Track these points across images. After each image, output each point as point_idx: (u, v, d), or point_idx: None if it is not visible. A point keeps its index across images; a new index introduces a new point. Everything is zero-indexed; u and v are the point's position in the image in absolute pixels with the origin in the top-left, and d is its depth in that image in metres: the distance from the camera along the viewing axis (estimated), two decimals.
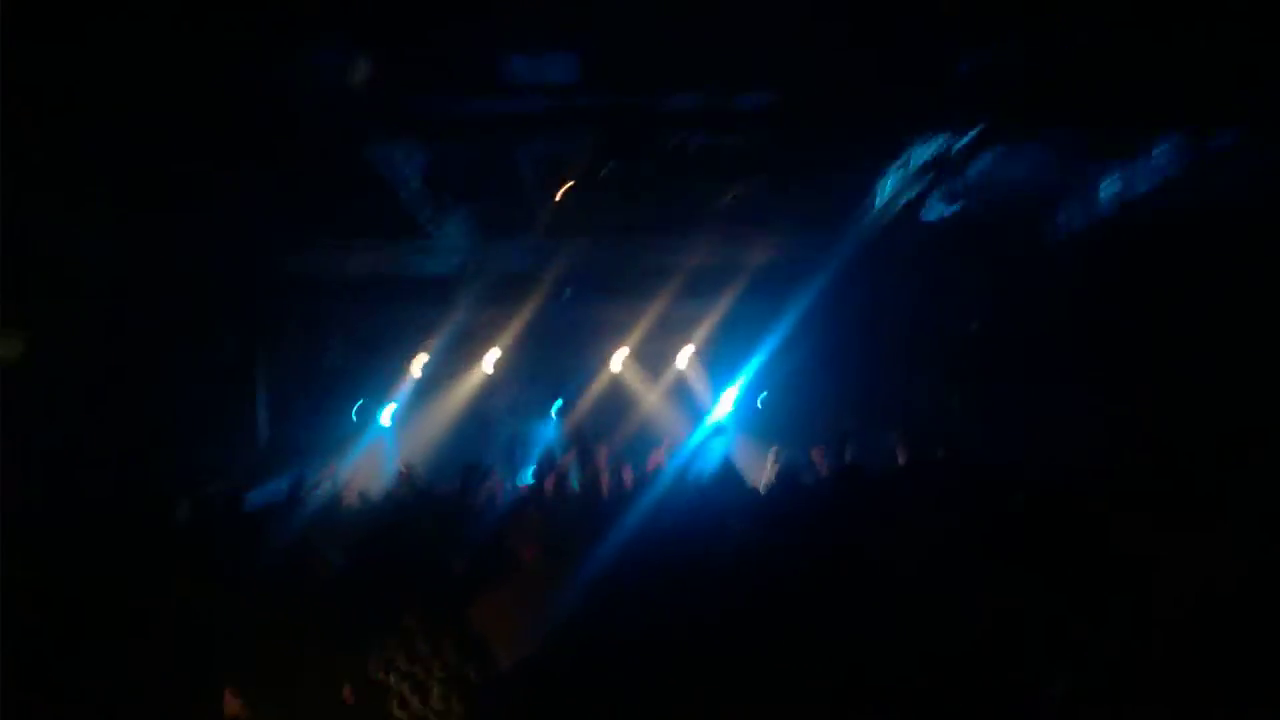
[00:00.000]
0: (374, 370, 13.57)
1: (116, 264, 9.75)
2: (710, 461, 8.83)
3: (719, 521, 4.46)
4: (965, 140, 7.54)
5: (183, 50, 6.24)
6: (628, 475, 7.68)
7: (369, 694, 2.36)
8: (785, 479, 6.67)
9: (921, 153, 8.08)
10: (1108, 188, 8.34)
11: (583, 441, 7.68)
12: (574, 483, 7.26)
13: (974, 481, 4.76)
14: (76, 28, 5.85)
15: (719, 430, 11.12)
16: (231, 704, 2.85)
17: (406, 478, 9.79)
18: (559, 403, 13.98)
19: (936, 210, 9.08)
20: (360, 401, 13.66)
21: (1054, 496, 3.83)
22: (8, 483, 8.49)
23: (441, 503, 6.96)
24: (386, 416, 13.65)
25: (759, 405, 13.53)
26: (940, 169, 7.92)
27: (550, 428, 14.21)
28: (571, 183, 8.37)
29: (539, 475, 8.60)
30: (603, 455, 8.05)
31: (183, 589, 3.78)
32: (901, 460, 7.31)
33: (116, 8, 5.75)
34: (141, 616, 3.15)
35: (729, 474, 6.76)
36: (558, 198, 8.74)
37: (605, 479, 6.94)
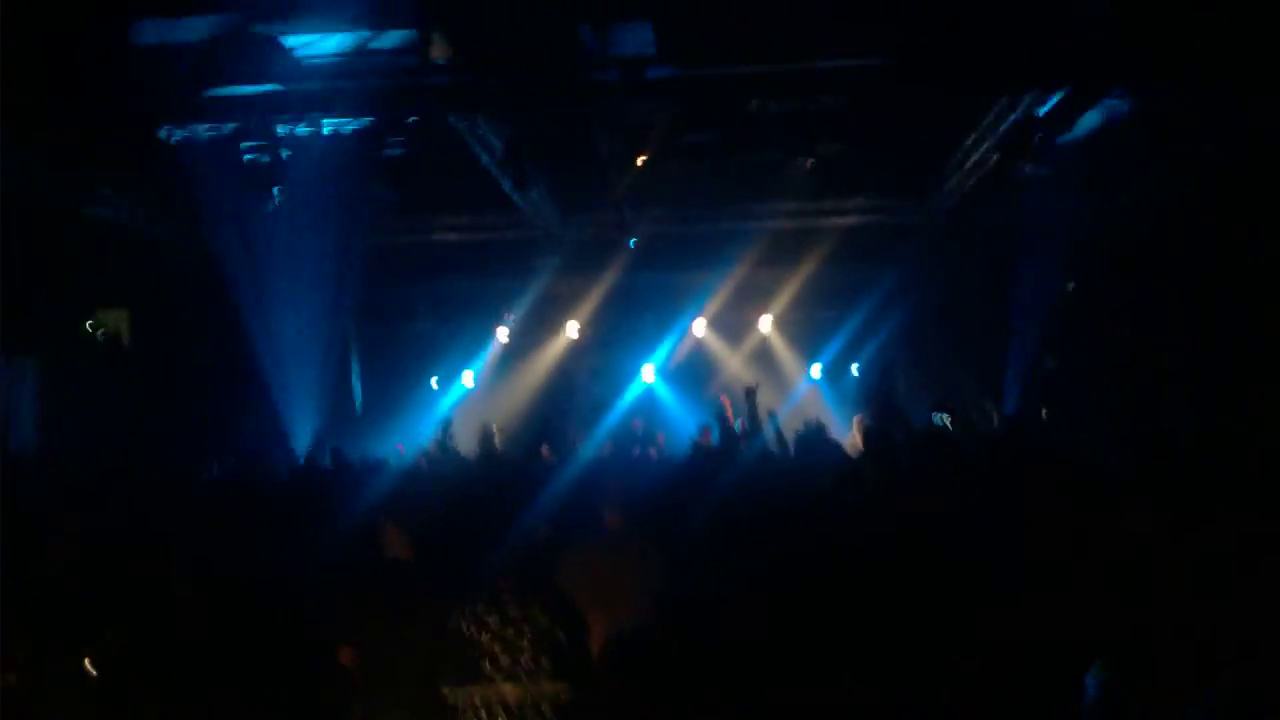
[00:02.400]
0: (461, 337, 13.93)
1: (210, 243, 10.19)
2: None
3: (808, 488, 4.51)
4: (1053, 100, 7.36)
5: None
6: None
7: (463, 649, 2.51)
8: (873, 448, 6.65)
9: (1009, 113, 7.93)
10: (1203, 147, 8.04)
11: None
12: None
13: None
14: None
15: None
16: (345, 653, 3.08)
17: (490, 440, 10.05)
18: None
19: (1025, 171, 8.88)
20: (441, 371, 14.02)
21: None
22: (129, 445, 9.04)
23: (523, 465, 7.16)
24: (469, 380, 14.00)
25: (854, 374, 13.42)
26: (1028, 130, 7.73)
27: (632, 392, 14.37)
28: (647, 154, 8.43)
29: (622, 440, 8.79)
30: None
31: (287, 545, 4.04)
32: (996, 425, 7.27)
33: None
34: (257, 571, 3.36)
35: (816, 441, 6.78)
36: (636, 167, 8.83)
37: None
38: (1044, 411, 7.37)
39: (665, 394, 14.27)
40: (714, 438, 8.87)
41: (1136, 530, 2.96)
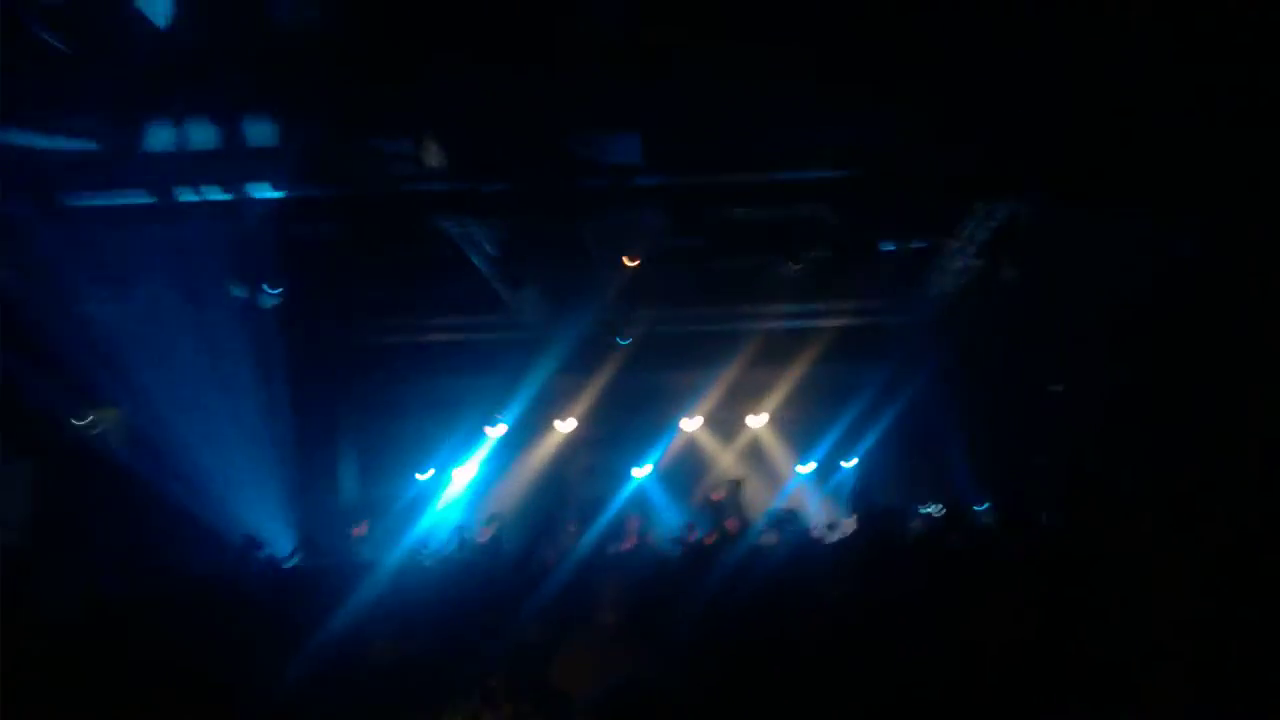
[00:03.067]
0: (454, 433, 13.95)
1: (198, 334, 10.30)
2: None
3: (792, 584, 4.52)
4: (1031, 207, 7.60)
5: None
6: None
7: None
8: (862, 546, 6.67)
9: (988, 219, 8.17)
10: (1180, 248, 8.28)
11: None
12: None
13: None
14: None
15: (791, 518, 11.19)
16: None
17: (488, 538, 10.03)
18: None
19: (1007, 274, 9.09)
20: (439, 464, 14.01)
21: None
22: (106, 542, 8.97)
23: (516, 564, 7.14)
24: (463, 478, 13.98)
25: (846, 469, 13.47)
26: (1006, 236, 7.97)
27: (626, 489, 14.34)
28: (637, 256, 8.64)
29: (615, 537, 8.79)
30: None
31: (265, 650, 4.02)
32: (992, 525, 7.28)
33: None
34: (223, 674, 3.34)
35: (803, 538, 6.81)
36: (626, 269, 9.02)
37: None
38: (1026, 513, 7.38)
39: (657, 492, 14.26)
40: (699, 534, 8.89)
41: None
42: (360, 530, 9.43)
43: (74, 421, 10.33)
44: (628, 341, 11.49)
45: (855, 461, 13.23)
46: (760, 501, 12.27)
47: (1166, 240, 8.26)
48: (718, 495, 10.87)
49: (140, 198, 7.25)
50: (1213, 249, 7.67)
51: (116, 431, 10.88)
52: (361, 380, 12.64)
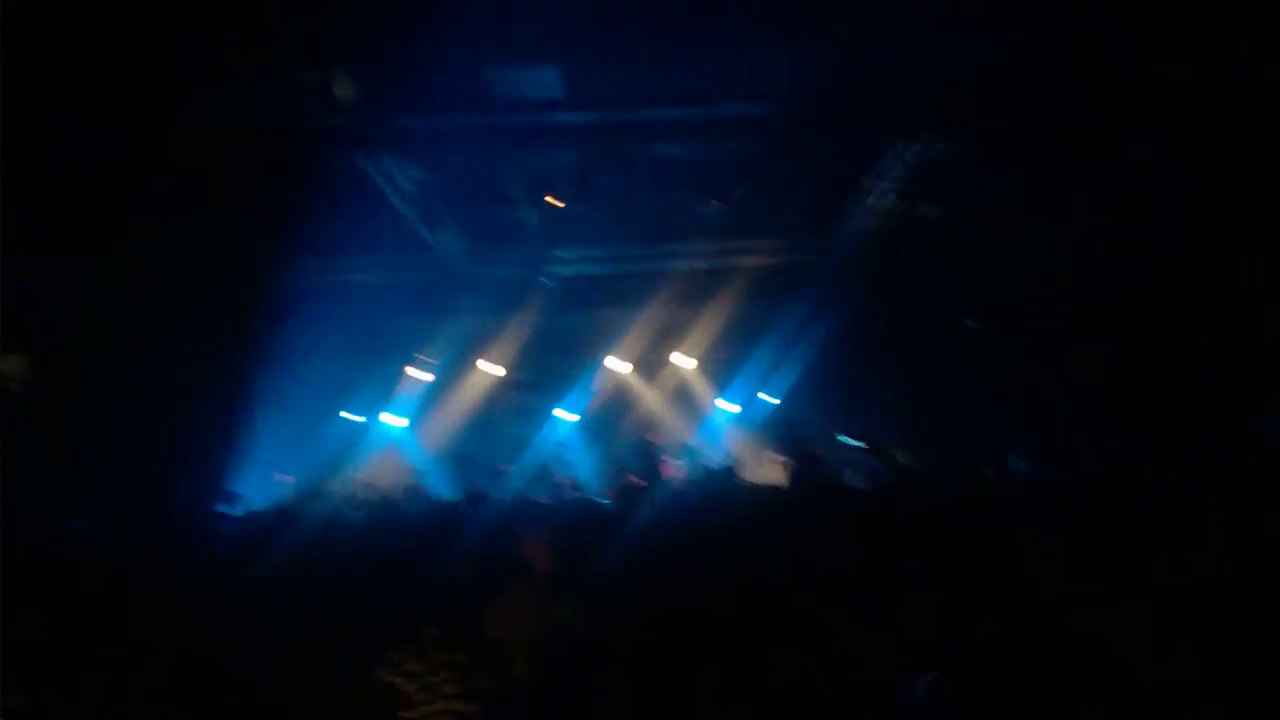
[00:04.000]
0: (378, 376, 13.77)
1: (115, 277, 9.89)
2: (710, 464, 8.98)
3: (720, 529, 4.58)
4: (946, 144, 7.69)
5: (171, 69, 6.45)
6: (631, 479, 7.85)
7: (385, 696, 2.51)
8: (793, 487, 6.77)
9: (905, 156, 8.25)
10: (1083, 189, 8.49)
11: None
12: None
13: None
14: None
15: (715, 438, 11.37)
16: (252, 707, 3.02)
17: (413, 486, 9.96)
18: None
19: (922, 211, 9.23)
20: (363, 407, 13.86)
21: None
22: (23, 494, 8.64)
23: (450, 510, 7.11)
24: (392, 421, 13.87)
25: (763, 403, 13.71)
26: (922, 172, 8.07)
27: (553, 431, 14.39)
28: (558, 194, 8.53)
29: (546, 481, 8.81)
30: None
31: (197, 597, 3.94)
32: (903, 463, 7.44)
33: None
34: (160, 622, 3.27)
35: (730, 481, 6.88)
36: (547, 208, 8.91)
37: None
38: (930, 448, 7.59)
39: (583, 435, 14.35)
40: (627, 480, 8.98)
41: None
42: (284, 477, 9.26)
43: None
44: (552, 283, 11.42)
45: (776, 400, 13.50)
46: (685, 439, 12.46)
47: (1084, 177, 8.46)
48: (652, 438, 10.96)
49: None
50: (1134, 189, 7.86)
51: (21, 380, 10.44)
52: (280, 323, 12.32)
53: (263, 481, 10.83)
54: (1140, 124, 7.04)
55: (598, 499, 7.43)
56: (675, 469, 9.24)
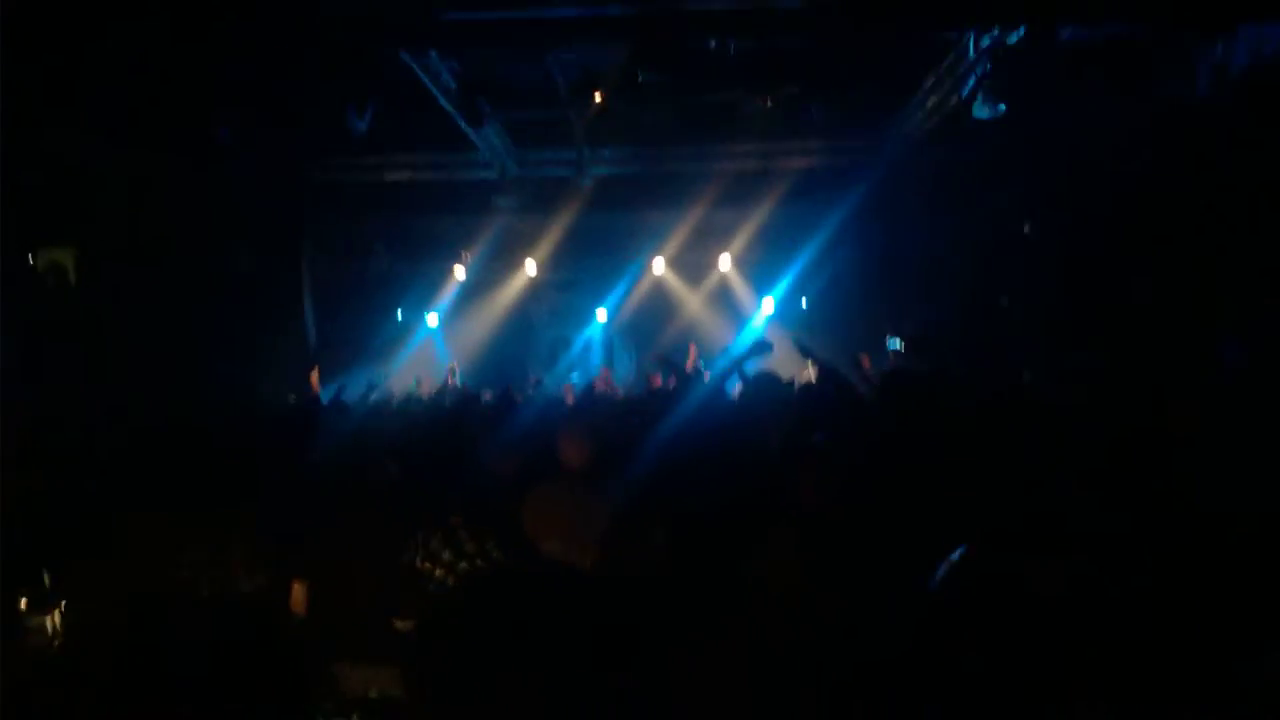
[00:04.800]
0: (418, 275, 13.85)
1: (157, 176, 9.94)
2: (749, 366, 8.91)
3: (759, 422, 4.56)
4: (1014, 37, 7.36)
5: None
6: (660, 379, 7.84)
7: (414, 582, 2.56)
8: (826, 381, 6.73)
9: (966, 50, 7.93)
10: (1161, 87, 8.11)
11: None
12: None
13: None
14: None
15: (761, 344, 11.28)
16: (297, 592, 3.11)
17: (452, 382, 10.06)
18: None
19: (984, 110, 8.90)
20: (404, 306, 13.99)
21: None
22: (62, 396, 8.86)
23: (487, 405, 7.19)
24: (432, 320, 14.00)
25: (802, 309, 13.61)
26: (987, 66, 7.74)
27: (593, 332, 14.45)
28: (604, 92, 8.33)
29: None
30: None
31: (247, 487, 4.04)
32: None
33: None
34: (212, 514, 3.36)
35: (767, 378, 6.84)
36: (593, 106, 8.73)
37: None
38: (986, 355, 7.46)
39: (622, 335, 14.38)
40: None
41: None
42: (315, 377, 9.40)
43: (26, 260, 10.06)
44: (590, 181, 11.28)
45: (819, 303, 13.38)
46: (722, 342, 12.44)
47: (1153, 88, 8.09)
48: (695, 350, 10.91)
49: None
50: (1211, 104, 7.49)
51: (72, 271, 10.62)
52: (324, 222, 12.36)
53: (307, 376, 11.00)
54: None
55: (629, 399, 7.45)
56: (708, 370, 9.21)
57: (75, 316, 9.73)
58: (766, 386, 5.19)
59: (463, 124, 8.98)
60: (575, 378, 12.80)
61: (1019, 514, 2.76)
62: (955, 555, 1.86)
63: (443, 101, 8.46)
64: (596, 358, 14.16)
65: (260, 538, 3.12)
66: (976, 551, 1.87)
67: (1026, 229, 10.97)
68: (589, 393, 8.47)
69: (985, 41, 7.62)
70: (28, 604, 2.44)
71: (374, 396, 9.29)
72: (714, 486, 3.01)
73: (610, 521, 2.66)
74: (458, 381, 12.12)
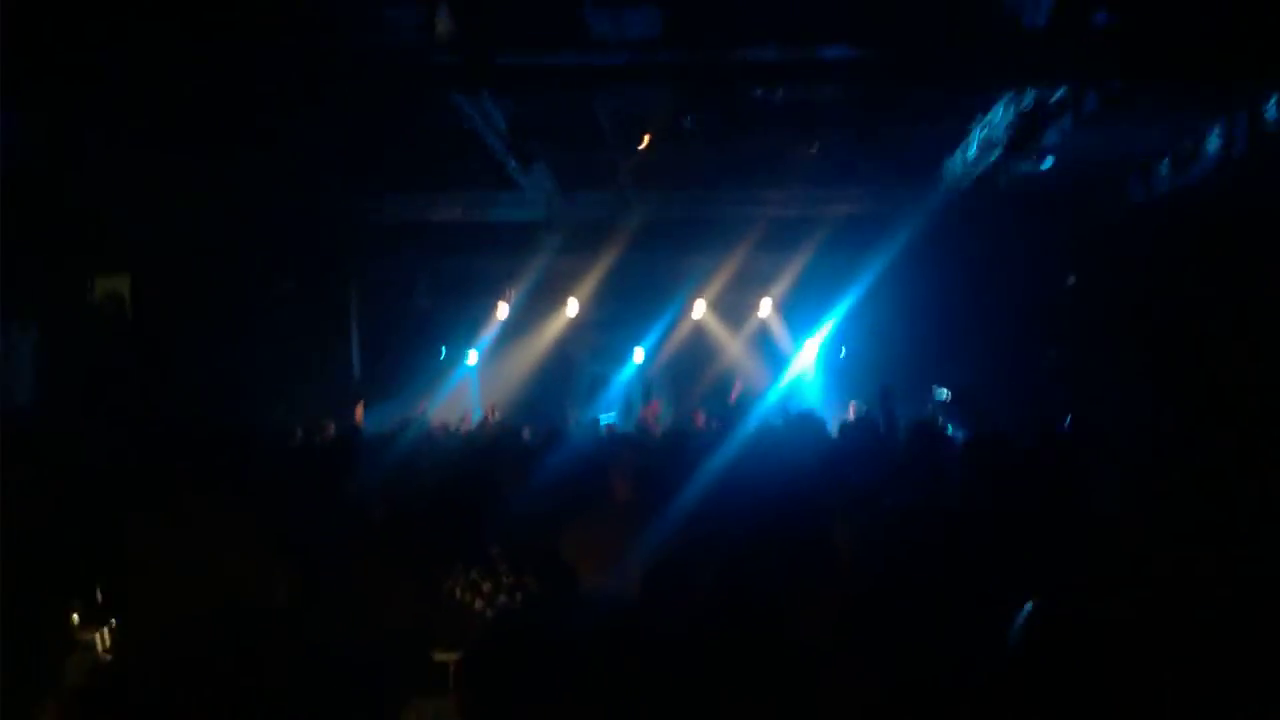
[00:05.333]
0: (461, 313, 14.02)
1: (214, 211, 10.21)
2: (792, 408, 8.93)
3: (797, 468, 4.58)
4: (1055, 96, 7.38)
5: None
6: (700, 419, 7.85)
7: (454, 613, 2.59)
8: (861, 431, 6.73)
9: (1008, 108, 7.96)
10: (1206, 146, 8.08)
11: None
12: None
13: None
14: None
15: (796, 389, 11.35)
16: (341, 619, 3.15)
17: (492, 418, 10.14)
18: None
19: (1024, 166, 8.91)
20: (447, 343, 14.15)
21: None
22: (116, 419, 9.05)
23: (529, 442, 7.24)
24: (473, 357, 14.15)
25: (841, 357, 13.58)
26: (1028, 125, 7.76)
27: (631, 371, 14.50)
28: (651, 136, 8.46)
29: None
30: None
31: (292, 514, 4.10)
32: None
33: None
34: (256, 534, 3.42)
35: (809, 422, 6.85)
36: (639, 149, 8.86)
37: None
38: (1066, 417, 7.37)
39: (661, 375, 14.41)
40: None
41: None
42: (359, 410, 9.53)
43: (83, 288, 10.35)
44: (634, 223, 11.39)
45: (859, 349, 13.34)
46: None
47: (1200, 142, 8.07)
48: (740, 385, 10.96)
49: None
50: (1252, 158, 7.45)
51: (127, 299, 10.91)
52: (370, 259, 12.60)
53: (352, 408, 11.15)
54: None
55: (674, 435, 7.48)
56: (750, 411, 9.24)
57: (131, 343, 10.00)
58: (807, 425, 5.22)
59: (511, 165, 9.15)
60: (611, 418, 12.82)
61: (1079, 559, 2.75)
62: (1027, 609, 1.86)
63: (493, 143, 8.63)
64: (635, 397, 14.19)
65: (300, 560, 3.17)
66: (1047, 602, 1.88)
67: (1071, 280, 10.91)
68: (638, 427, 8.51)
69: (1028, 98, 7.65)
70: (80, 618, 2.51)
71: (413, 430, 9.41)
72: (760, 530, 3.02)
73: (653, 558, 2.68)
74: (498, 418, 12.21)
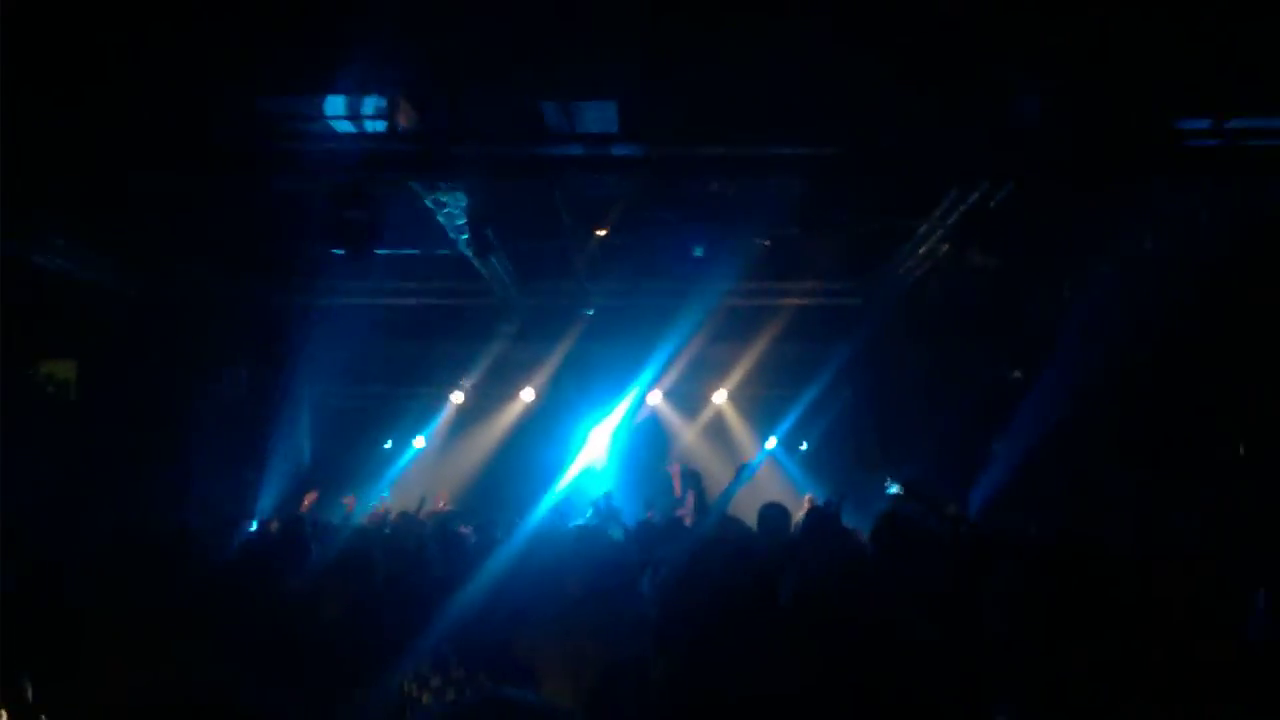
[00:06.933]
0: (416, 398, 13.89)
1: (163, 298, 10.12)
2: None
3: (760, 570, 4.51)
4: (1002, 193, 7.63)
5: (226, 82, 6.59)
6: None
7: (403, 709, 2.50)
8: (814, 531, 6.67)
9: (959, 203, 8.20)
10: (1144, 241, 8.40)
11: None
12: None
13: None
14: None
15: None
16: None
17: (443, 507, 9.95)
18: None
19: (972, 260, 9.16)
20: (397, 431, 13.96)
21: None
22: (54, 509, 8.76)
23: (481, 535, 7.12)
24: (420, 442, 13.96)
25: (802, 449, 13.61)
26: (976, 220, 8.00)
27: (587, 462, 14.35)
28: (608, 227, 8.59)
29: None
30: None
31: (230, 606, 3.96)
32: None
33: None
34: (189, 632, 3.29)
35: (776, 509, 6.79)
36: (596, 239, 8.97)
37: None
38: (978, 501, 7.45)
39: (616, 465, 14.29)
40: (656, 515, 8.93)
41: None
42: (311, 498, 9.33)
43: (25, 372, 10.12)
44: (592, 312, 11.47)
45: (813, 442, 13.38)
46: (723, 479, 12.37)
47: (1134, 237, 8.38)
48: (678, 471, 10.89)
49: None
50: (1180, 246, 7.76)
51: (71, 385, 10.68)
52: (325, 342, 12.50)
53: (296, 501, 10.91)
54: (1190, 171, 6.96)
55: (628, 529, 7.40)
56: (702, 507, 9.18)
57: (73, 428, 9.75)
58: (774, 518, 5.20)
59: (469, 254, 9.20)
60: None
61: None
62: None
63: (450, 232, 8.68)
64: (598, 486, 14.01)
65: (240, 652, 3.04)
66: None
67: (1017, 374, 11.13)
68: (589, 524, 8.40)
69: (973, 196, 7.90)
70: (9, 716, 2.38)
71: (356, 520, 9.20)
72: (720, 631, 2.97)
73: (607, 666, 2.62)
74: (447, 508, 11.99)
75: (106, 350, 10.42)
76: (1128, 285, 8.59)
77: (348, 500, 10.07)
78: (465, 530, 7.87)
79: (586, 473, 13.66)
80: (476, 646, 2.80)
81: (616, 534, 6.98)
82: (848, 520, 6.78)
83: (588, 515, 9.70)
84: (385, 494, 11.71)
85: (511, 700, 1.28)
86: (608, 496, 10.20)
